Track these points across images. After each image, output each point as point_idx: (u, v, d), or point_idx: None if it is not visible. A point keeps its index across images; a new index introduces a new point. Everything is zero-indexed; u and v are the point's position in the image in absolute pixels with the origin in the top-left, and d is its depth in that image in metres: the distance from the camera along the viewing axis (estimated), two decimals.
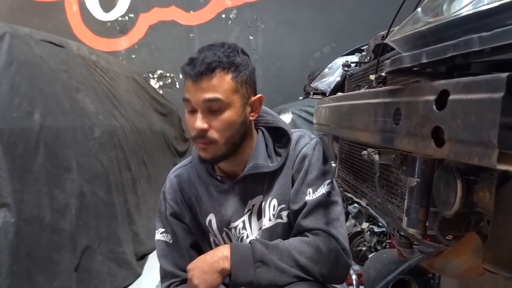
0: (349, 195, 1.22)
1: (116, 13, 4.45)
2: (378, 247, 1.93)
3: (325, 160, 1.00)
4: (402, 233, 0.75)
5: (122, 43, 4.48)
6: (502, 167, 0.40)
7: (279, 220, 1.00)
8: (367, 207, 1.00)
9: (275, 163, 0.99)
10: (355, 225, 2.21)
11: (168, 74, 4.47)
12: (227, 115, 0.90)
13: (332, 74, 1.45)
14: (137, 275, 2.17)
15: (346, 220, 2.09)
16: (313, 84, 1.51)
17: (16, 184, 1.41)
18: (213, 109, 0.89)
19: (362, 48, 1.42)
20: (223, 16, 4.36)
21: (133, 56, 4.48)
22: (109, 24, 4.46)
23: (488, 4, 0.48)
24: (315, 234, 0.93)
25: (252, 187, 1.00)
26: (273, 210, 0.99)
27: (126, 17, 4.45)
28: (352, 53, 1.50)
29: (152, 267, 2.32)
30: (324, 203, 0.96)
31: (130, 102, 2.79)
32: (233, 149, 0.95)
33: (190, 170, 1.07)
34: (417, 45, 0.57)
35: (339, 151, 1.33)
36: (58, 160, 1.66)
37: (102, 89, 2.37)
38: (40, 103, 1.66)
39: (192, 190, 1.05)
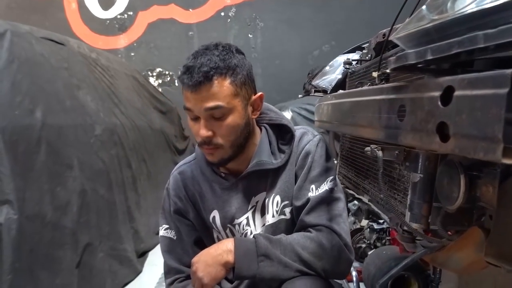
0: (351, 191, 1.23)
1: (115, 11, 4.45)
2: (378, 244, 1.95)
3: (328, 157, 1.01)
4: (405, 228, 0.76)
5: (121, 41, 4.47)
6: (507, 161, 0.41)
7: (282, 217, 1.01)
8: (369, 203, 1.01)
9: (279, 160, 0.99)
10: (354, 222, 2.23)
11: (167, 72, 4.47)
12: (230, 119, 0.90)
13: (333, 72, 1.46)
14: (138, 272, 2.18)
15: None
16: (314, 82, 1.51)
17: (18, 181, 1.41)
18: (215, 116, 0.89)
19: (363, 46, 1.42)
20: (222, 14, 4.36)
21: (132, 54, 4.47)
22: (108, 22, 4.46)
23: (491, 2, 0.49)
24: (318, 230, 0.94)
25: (255, 183, 1.01)
26: (277, 207, 1.00)
27: (125, 15, 4.45)
28: (353, 51, 1.51)
29: (153, 264, 2.33)
30: (327, 200, 0.97)
31: (130, 100, 2.80)
32: (239, 150, 0.96)
33: (194, 167, 1.07)
34: (421, 42, 0.58)
35: (340, 148, 1.34)
36: (59, 157, 1.67)
37: (103, 87, 2.37)
38: (42, 100, 1.66)
39: (195, 187, 1.05)
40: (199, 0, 4.35)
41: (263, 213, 1.02)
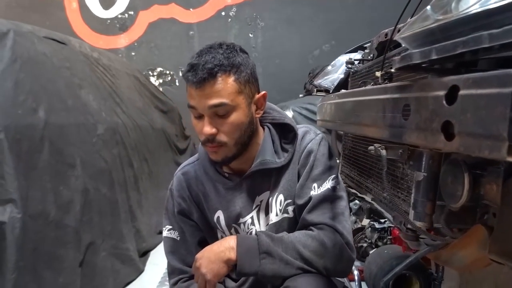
0: (353, 190, 1.24)
1: (115, 11, 4.45)
2: (379, 243, 1.96)
3: (330, 155, 1.01)
4: (408, 226, 0.77)
5: (122, 41, 4.48)
6: None
7: (285, 215, 1.01)
8: (372, 202, 1.01)
9: (282, 159, 1.00)
10: (355, 222, 2.24)
11: (167, 72, 4.47)
12: (234, 117, 0.91)
13: (336, 72, 1.46)
14: (140, 271, 2.18)
15: None
16: (317, 82, 1.52)
17: (21, 180, 1.42)
18: (219, 113, 0.90)
19: (365, 45, 1.43)
20: (223, 13, 4.36)
21: (133, 53, 4.48)
22: (108, 21, 4.46)
23: (496, 2, 0.50)
24: (320, 228, 0.95)
25: (259, 183, 1.01)
26: (280, 205, 1.01)
27: (126, 15, 4.45)
28: (354, 50, 1.52)
29: (155, 264, 2.34)
30: (329, 198, 0.98)
31: (132, 99, 2.80)
32: (243, 148, 0.96)
33: (197, 168, 1.08)
34: (426, 42, 0.59)
35: (342, 147, 1.34)
36: (62, 156, 1.67)
37: (104, 86, 2.38)
38: (44, 99, 1.67)
39: (199, 187, 1.06)
40: None
41: (267, 212, 1.02)
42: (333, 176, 1.00)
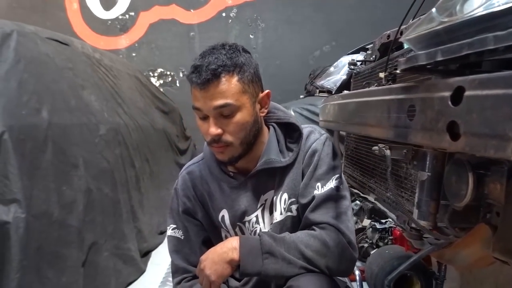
0: (355, 191, 1.25)
1: (116, 11, 4.46)
2: (380, 244, 1.96)
3: (335, 155, 1.02)
4: (412, 225, 0.78)
5: (123, 41, 4.49)
6: None
7: (289, 214, 1.02)
8: (375, 202, 1.02)
9: (287, 158, 1.01)
10: (356, 222, 2.24)
11: (168, 73, 4.48)
12: (239, 117, 0.92)
13: (338, 73, 1.48)
14: (142, 271, 2.19)
15: None
16: (319, 83, 1.53)
17: (25, 180, 1.42)
18: (224, 114, 0.90)
19: (367, 47, 1.44)
20: (224, 14, 4.37)
21: (134, 54, 4.49)
22: (109, 22, 4.47)
23: (500, 5, 0.51)
24: (322, 228, 0.95)
25: (264, 182, 1.02)
26: (284, 204, 1.01)
27: (127, 15, 4.46)
28: (356, 52, 1.53)
29: (156, 264, 2.34)
30: (332, 197, 0.98)
31: (133, 100, 2.81)
32: (248, 148, 0.97)
33: (202, 167, 1.09)
34: (430, 44, 0.60)
35: (345, 147, 1.35)
36: (65, 156, 1.68)
37: (106, 87, 2.39)
38: (48, 100, 1.67)
39: (204, 187, 1.07)
40: (200, 0, 4.37)
41: (271, 211, 1.03)
42: (336, 175, 1.00)
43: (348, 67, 1.33)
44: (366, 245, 2.03)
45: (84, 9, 4.45)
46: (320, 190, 0.98)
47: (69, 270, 1.57)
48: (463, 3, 0.57)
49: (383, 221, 2.00)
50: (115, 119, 2.29)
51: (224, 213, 1.04)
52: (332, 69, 1.55)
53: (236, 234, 1.05)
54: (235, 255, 0.90)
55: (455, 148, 0.51)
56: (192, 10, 4.40)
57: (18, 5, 4.44)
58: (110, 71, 2.58)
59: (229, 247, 0.92)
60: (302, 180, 1.01)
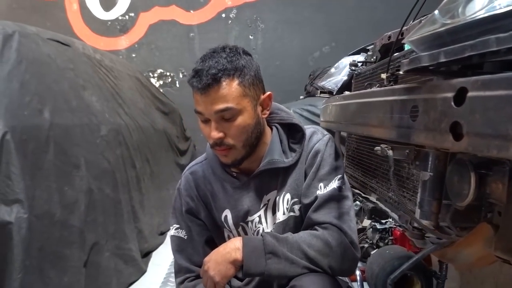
0: (356, 191, 1.26)
1: (116, 12, 4.47)
2: (381, 244, 1.97)
3: (337, 156, 1.03)
4: (415, 225, 0.78)
5: (122, 42, 4.49)
6: None
7: (292, 214, 1.03)
8: (377, 202, 1.03)
9: (290, 158, 1.02)
10: (356, 223, 2.25)
11: (168, 73, 4.49)
12: (241, 120, 0.92)
13: (339, 74, 1.48)
14: (143, 271, 2.19)
15: None
16: (320, 83, 1.54)
17: (27, 180, 1.43)
18: (226, 117, 0.91)
19: (368, 48, 1.45)
20: (223, 15, 4.38)
21: (134, 55, 4.49)
22: (109, 23, 4.48)
23: (502, 8, 0.52)
24: (325, 228, 0.96)
25: (267, 182, 1.03)
26: (287, 204, 1.02)
27: (127, 16, 4.47)
28: (357, 52, 1.54)
29: (157, 264, 2.35)
30: (335, 198, 0.99)
31: (134, 100, 2.82)
32: (251, 149, 0.98)
33: (205, 167, 1.09)
34: (433, 45, 0.61)
35: (346, 148, 1.36)
36: (67, 157, 1.68)
37: (107, 88, 2.39)
38: (49, 100, 1.68)
39: (207, 187, 1.07)
40: (200, 1, 4.37)
41: (274, 211, 1.03)
42: (339, 176, 1.01)
43: (349, 68, 1.34)
44: (366, 245, 2.04)
45: (84, 10, 4.45)
46: (322, 190, 0.99)
47: (71, 270, 1.58)
48: (465, 5, 0.58)
49: (383, 221, 2.01)
50: (116, 120, 2.30)
51: (227, 213, 1.05)
52: (333, 70, 1.56)
53: (239, 234, 1.06)
54: (238, 256, 0.91)
55: (458, 148, 0.52)
56: (192, 11, 4.40)
57: (18, 5, 4.44)
58: (110, 71, 2.58)
59: (232, 248, 0.92)
60: (304, 181, 1.02)
